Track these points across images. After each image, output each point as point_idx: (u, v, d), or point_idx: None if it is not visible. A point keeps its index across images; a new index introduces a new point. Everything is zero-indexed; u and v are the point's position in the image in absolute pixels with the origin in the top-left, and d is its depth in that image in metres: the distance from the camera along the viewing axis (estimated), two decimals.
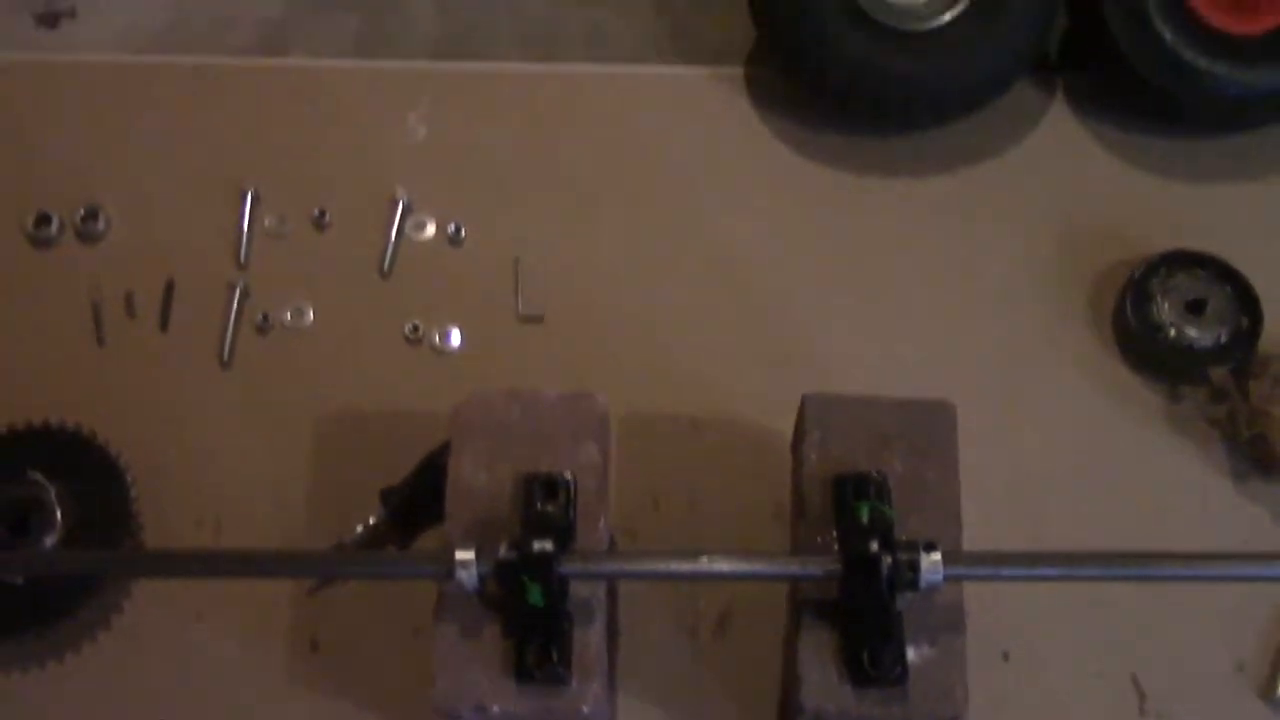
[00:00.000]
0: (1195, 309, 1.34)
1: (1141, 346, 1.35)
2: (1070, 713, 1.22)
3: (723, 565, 0.99)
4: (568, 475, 1.05)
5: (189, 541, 1.28)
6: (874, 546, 0.97)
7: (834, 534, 1.04)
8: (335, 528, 1.28)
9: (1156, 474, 1.31)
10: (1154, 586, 1.25)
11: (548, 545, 0.98)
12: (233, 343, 1.38)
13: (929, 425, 1.09)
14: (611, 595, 1.22)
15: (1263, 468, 1.30)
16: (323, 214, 1.44)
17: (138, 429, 1.33)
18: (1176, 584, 1.25)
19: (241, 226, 1.43)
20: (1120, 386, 1.35)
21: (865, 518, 0.99)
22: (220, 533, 1.30)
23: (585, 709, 1.00)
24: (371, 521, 1.27)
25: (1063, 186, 1.45)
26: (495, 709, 1.00)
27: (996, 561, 0.99)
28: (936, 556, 0.97)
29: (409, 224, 1.44)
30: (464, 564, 0.98)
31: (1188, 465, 1.32)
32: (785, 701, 1.09)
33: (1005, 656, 1.24)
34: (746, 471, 1.32)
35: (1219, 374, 1.31)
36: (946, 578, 0.97)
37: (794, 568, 0.99)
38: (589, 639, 1.02)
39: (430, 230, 1.44)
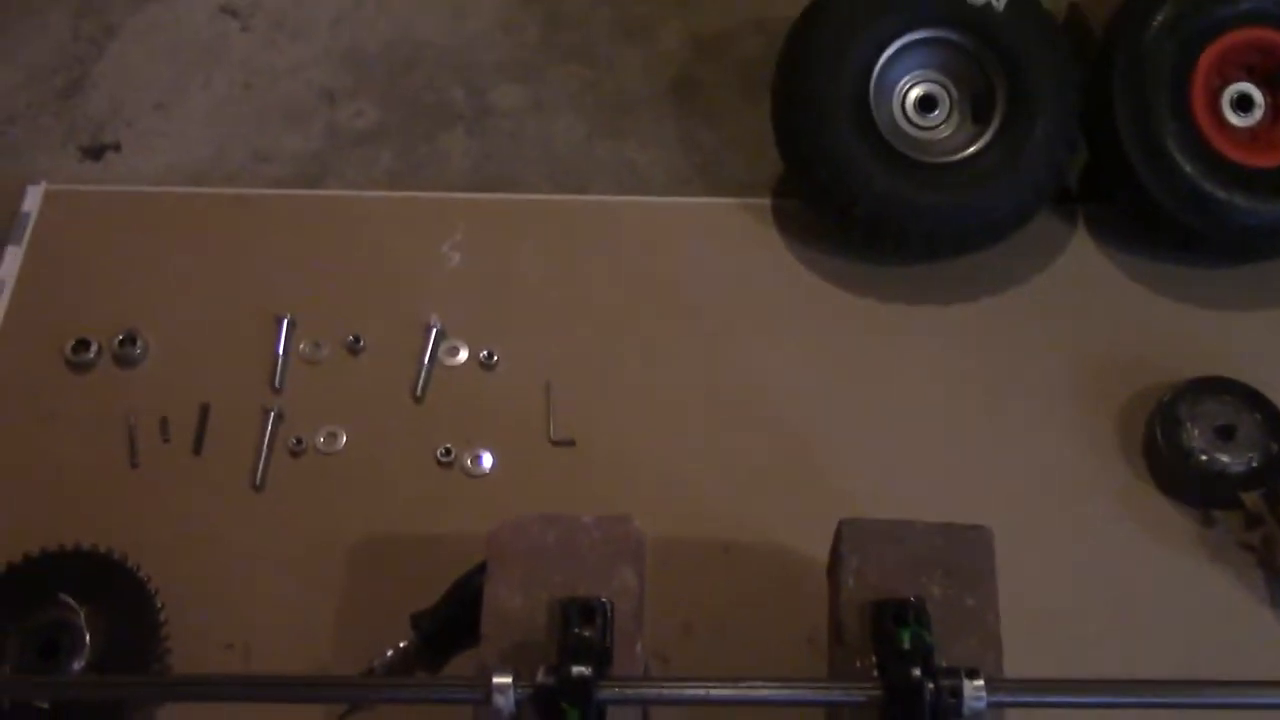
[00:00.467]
0: (1225, 434, 1.35)
1: (1173, 472, 1.35)
2: None
3: (762, 691, 0.98)
4: (604, 599, 1.05)
5: (217, 665, 1.27)
6: (916, 673, 0.96)
7: (873, 660, 1.03)
8: (365, 653, 1.27)
9: (1192, 600, 1.30)
10: (1191, 716, 1.23)
11: (586, 671, 0.97)
12: (265, 466, 1.39)
13: (966, 550, 1.09)
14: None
15: None
16: (357, 340, 1.46)
17: (169, 552, 1.33)
18: (1218, 712, 1.23)
19: (277, 351, 1.45)
20: (1153, 512, 1.35)
21: (907, 643, 0.99)
22: (250, 657, 1.29)
23: None
24: (402, 646, 1.26)
25: (1087, 314, 1.47)
26: None
27: (1040, 689, 0.98)
28: (980, 683, 0.96)
29: (442, 349, 1.46)
30: (501, 689, 0.97)
31: (1223, 591, 1.31)
32: None
33: None
34: (779, 597, 1.31)
35: (1252, 499, 1.31)
36: (990, 704, 0.96)
37: (835, 694, 0.98)
38: None
39: (463, 356, 1.46)
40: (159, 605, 1.27)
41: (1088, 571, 1.32)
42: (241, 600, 1.32)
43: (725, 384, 1.44)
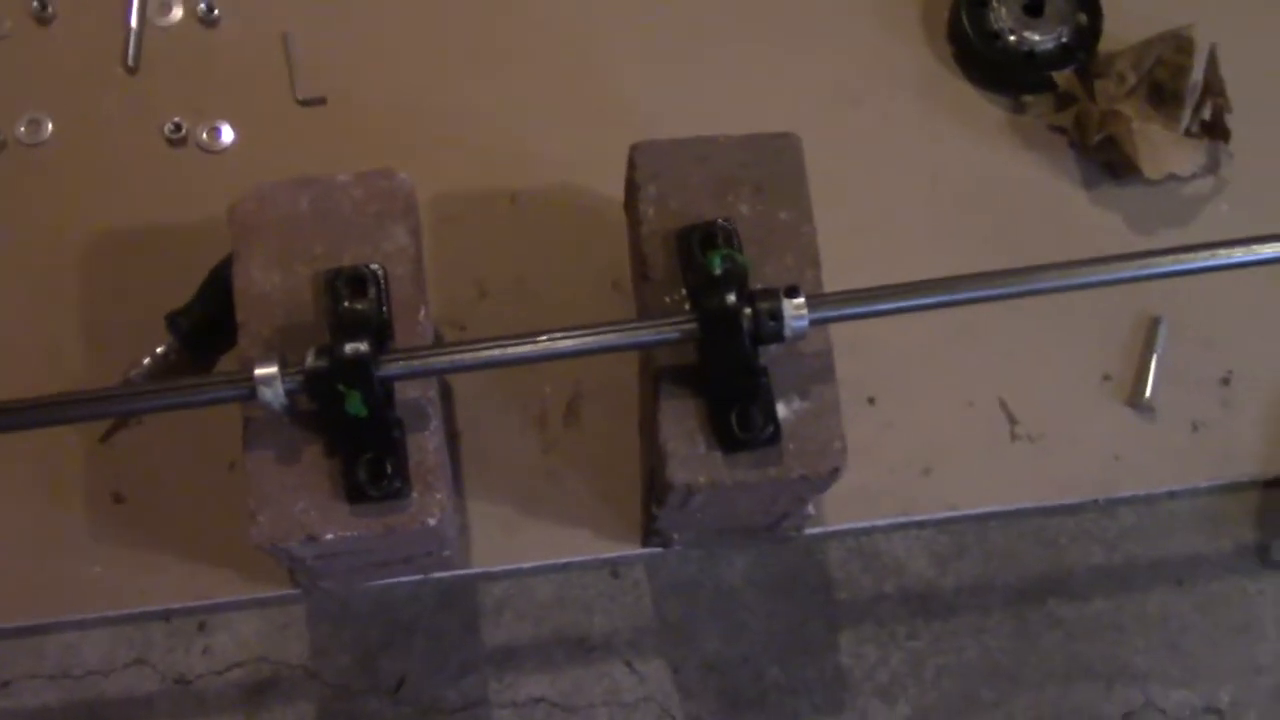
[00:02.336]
0: (1033, 10, 1.25)
1: (980, 56, 1.25)
2: (941, 446, 1.16)
3: (566, 343, 0.88)
4: (375, 266, 0.91)
5: None
6: (731, 299, 0.86)
7: (683, 293, 0.93)
8: (118, 364, 1.11)
9: (1007, 190, 1.24)
10: (1018, 309, 1.17)
11: (362, 346, 0.85)
12: None
13: (774, 161, 0.98)
14: (445, 396, 1.10)
15: (1113, 171, 1.24)
16: (44, 5, 1.22)
17: None
18: (1040, 304, 1.18)
19: None
20: (961, 101, 1.27)
21: (718, 268, 0.88)
22: None
23: (431, 521, 0.89)
24: (160, 351, 1.11)
25: None
26: (329, 536, 0.88)
27: (865, 299, 0.90)
28: (800, 301, 0.87)
29: (151, 8, 1.23)
30: (266, 380, 0.84)
31: (1038, 177, 1.25)
32: (651, 483, 1.00)
33: (871, 401, 1.17)
34: (577, 244, 1.20)
35: (1065, 77, 1.23)
36: (812, 322, 0.88)
37: (645, 335, 0.88)
38: (425, 444, 0.90)
39: (178, 13, 1.24)
40: None
41: (896, 172, 1.24)
42: None
43: (493, 15, 1.26)
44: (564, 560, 1.13)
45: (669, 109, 1.22)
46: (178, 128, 1.20)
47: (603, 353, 0.89)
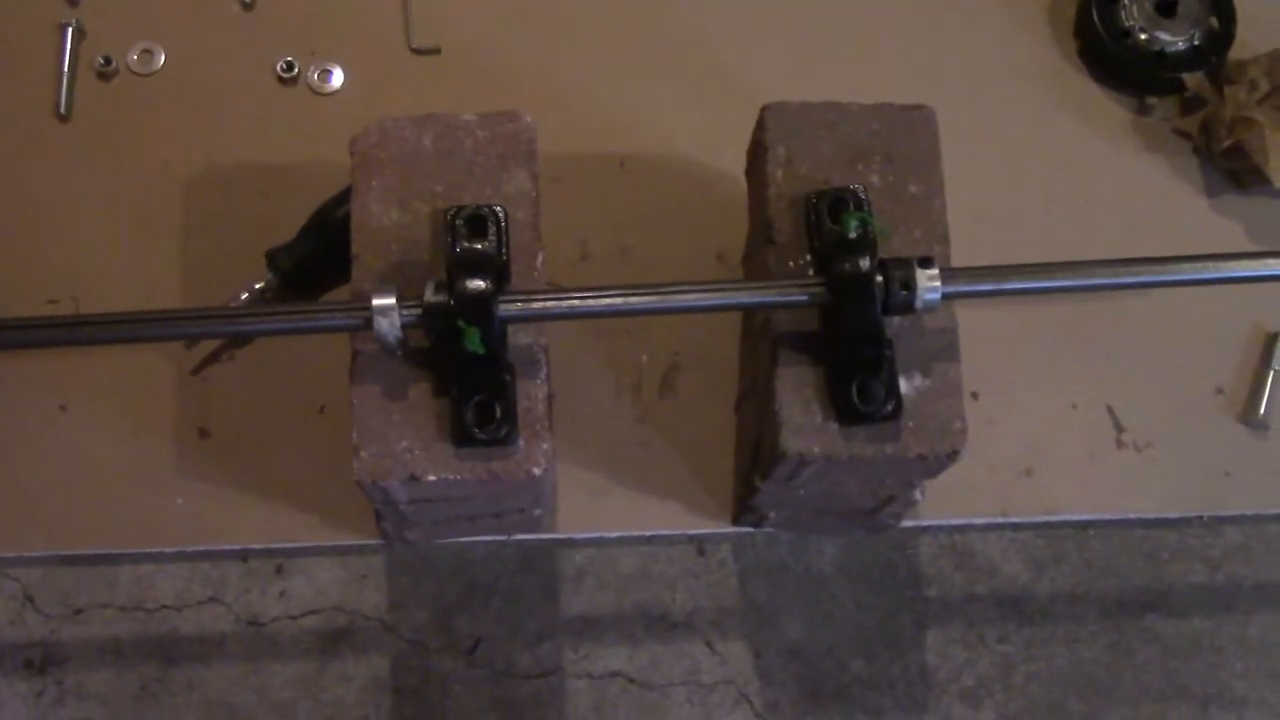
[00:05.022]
0: (1165, 10, 1.22)
1: (1108, 54, 1.22)
2: (1045, 448, 1.13)
3: (691, 297, 0.85)
4: (497, 207, 0.89)
5: None
6: (865, 264, 0.83)
7: (808, 259, 0.90)
8: (215, 298, 1.10)
9: (1126, 190, 1.21)
10: (1127, 315, 1.16)
11: (483, 283, 0.82)
12: (69, 92, 1.16)
13: (908, 133, 0.95)
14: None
15: (1237, 179, 1.20)
16: None
17: None
18: (1151, 312, 1.16)
19: None
20: (1085, 99, 1.23)
21: (853, 232, 0.86)
22: (80, 313, 1.11)
23: (536, 471, 0.87)
24: (258, 286, 1.09)
25: None
26: (431, 478, 0.86)
27: (999, 276, 0.87)
28: (934, 272, 0.84)
29: None
30: (383, 310, 0.82)
31: (1159, 180, 1.21)
32: (756, 453, 0.97)
33: (975, 396, 1.14)
34: (684, 212, 1.17)
35: (1195, 79, 1.19)
36: (945, 296, 0.85)
37: (772, 295, 0.86)
38: (535, 393, 0.88)
39: None
40: None
41: (1016, 163, 1.20)
42: (61, 249, 1.13)
43: None
44: (650, 533, 1.10)
45: (786, 86, 1.19)
46: (289, 66, 1.18)
47: (726, 310, 0.87)
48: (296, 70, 1.18)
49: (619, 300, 0.85)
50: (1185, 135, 1.22)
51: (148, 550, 1.07)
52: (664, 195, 1.18)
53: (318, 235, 1.10)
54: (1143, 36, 1.21)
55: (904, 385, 0.88)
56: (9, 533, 1.06)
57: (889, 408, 0.87)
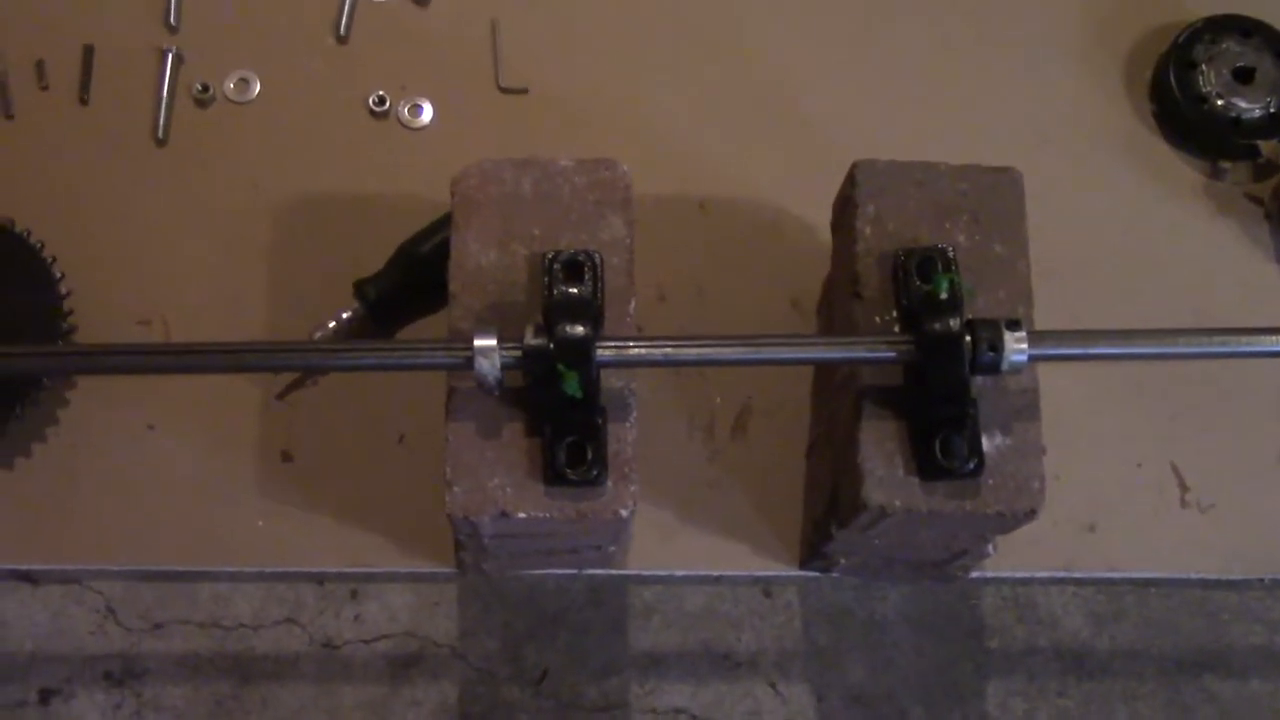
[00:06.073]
0: (1243, 77, 1.23)
1: (1184, 118, 1.24)
2: (1109, 505, 1.14)
3: (782, 350, 0.87)
4: (594, 252, 0.91)
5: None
6: (954, 324, 0.85)
7: (894, 315, 0.92)
8: (301, 327, 1.12)
9: (1196, 255, 1.22)
10: (1196, 374, 1.17)
11: (582, 328, 0.85)
12: (168, 117, 1.20)
13: (994, 194, 0.97)
14: None
15: None
16: None
17: (62, 217, 1.15)
18: (1217, 373, 1.17)
19: None
20: (1159, 161, 1.25)
21: (944, 292, 0.88)
22: (169, 335, 1.14)
23: (624, 512, 0.89)
24: (345, 316, 1.12)
25: None
26: (521, 515, 0.88)
27: (1085, 341, 0.89)
28: (1021, 334, 0.86)
29: None
30: (485, 351, 0.85)
31: (1229, 246, 1.23)
32: (832, 501, 0.99)
33: (1042, 450, 1.15)
34: (762, 259, 1.20)
35: (1271, 145, 1.21)
36: (1032, 358, 0.87)
37: (861, 351, 0.88)
38: (625, 435, 0.90)
39: None
40: (58, 275, 1.10)
41: (1090, 224, 1.22)
42: (154, 271, 1.16)
43: (700, 21, 1.27)
44: (718, 573, 1.12)
45: (865, 139, 1.21)
46: (381, 100, 1.21)
47: (815, 364, 0.89)
48: (388, 104, 1.21)
49: (710, 350, 0.87)
50: (1258, 201, 1.24)
51: (227, 569, 1.10)
52: (741, 239, 1.20)
53: (403, 269, 1.12)
54: (1219, 102, 1.23)
55: (985, 444, 0.90)
56: (95, 546, 1.09)
57: (972, 465, 0.89)
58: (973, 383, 0.89)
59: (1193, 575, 1.14)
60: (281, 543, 1.10)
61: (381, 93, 1.21)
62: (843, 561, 1.07)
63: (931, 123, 1.24)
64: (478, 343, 0.85)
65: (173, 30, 1.22)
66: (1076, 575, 1.14)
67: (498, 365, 0.85)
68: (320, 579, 1.11)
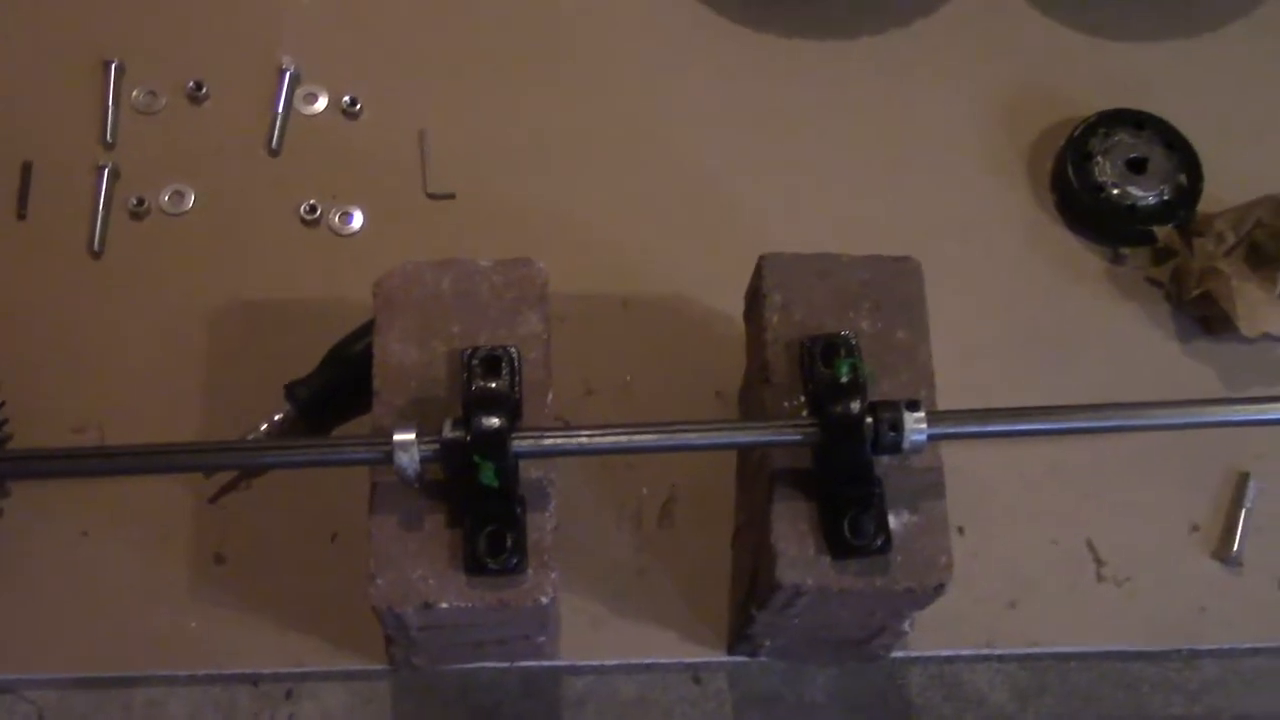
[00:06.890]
0: (1136, 168, 1.30)
1: (1083, 207, 1.30)
2: (1029, 582, 1.17)
3: (694, 436, 0.91)
4: (511, 347, 0.95)
5: None
6: (855, 406, 0.89)
7: (801, 400, 0.96)
8: (236, 429, 1.15)
9: (1101, 337, 1.27)
10: (1105, 455, 1.21)
11: (498, 420, 0.88)
12: (103, 230, 1.23)
13: (895, 283, 1.02)
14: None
15: (1208, 327, 1.27)
16: (199, 86, 1.29)
17: None
18: (1129, 450, 1.22)
19: (106, 102, 1.27)
20: (1062, 249, 1.31)
21: (844, 376, 0.92)
22: (104, 441, 1.16)
23: (544, 599, 0.91)
24: (277, 418, 1.15)
25: (998, 46, 1.39)
26: (443, 605, 0.90)
27: (981, 419, 0.93)
28: (920, 415, 0.90)
29: (298, 96, 1.30)
30: (404, 445, 0.88)
31: (1133, 327, 1.28)
32: (752, 585, 1.02)
33: (961, 530, 1.19)
34: (684, 351, 1.23)
35: (1165, 231, 1.27)
36: (931, 437, 0.90)
37: (769, 434, 0.91)
38: (543, 524, 0.93)
39: (322, 103, 1.31)
40: None
41: (999, 308, 1.27)
42: (90, 379, 1.18)
43: (618, 128, 1.32)
44: (648, 660, 1.14)
45: (781, 232, 1.27)
46: (313, 209, 1.25)
47: (726, 448, 0.92)
48: (319, 212, 1.25)
49: (624, 438, 0.90)
50: (1157, 284, 1.29)
51: (161, 673, 1.10)
52: (664, 334, 1.24)
53: (334, 369, 1.15)
54: (1115, 191, 1.29)
55: (893, 521, 0.93)
56: (28, 655, 1.09)
57: (879, 542, 0.92)
58: (877, 462, 0.93)
59: (1112, 648, 1.17)
60: (215, 645, 1.10)
61: (312, 201, 1.26)
62: (767, 644, 1.09)
63: (844, 213, 1.30)
64: (397, 437, 0.88)
65: (108, 147, 1.27)
66: (999, 651, 1.16)
67: (417, 459, 0.88)
68: (255, 680, 1.12)
